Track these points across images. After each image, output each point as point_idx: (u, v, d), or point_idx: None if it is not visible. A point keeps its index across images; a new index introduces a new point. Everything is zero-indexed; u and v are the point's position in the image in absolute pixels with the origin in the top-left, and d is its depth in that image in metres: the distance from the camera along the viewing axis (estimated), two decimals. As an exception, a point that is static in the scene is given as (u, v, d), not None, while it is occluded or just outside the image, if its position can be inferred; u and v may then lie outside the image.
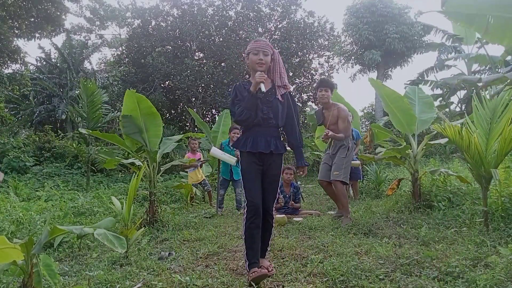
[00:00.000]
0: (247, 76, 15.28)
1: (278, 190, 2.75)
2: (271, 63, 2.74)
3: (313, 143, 9.49)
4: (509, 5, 2.48)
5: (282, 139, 2.79)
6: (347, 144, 4.63)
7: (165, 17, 15.26)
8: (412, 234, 3.57)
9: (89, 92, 9.08)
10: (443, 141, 4.69)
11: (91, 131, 4.54)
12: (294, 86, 16.18)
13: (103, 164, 4.77)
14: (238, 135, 6.39)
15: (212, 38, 14.98)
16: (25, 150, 11.46)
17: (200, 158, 7.06)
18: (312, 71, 16.24)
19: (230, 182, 6.34)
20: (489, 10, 2.58)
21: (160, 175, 5.97)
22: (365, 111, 23.89)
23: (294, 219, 4.74)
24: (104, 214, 5.36)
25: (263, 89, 2.58)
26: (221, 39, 14.94)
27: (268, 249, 2.81)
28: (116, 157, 4.79)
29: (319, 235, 3.80)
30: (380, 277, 2.49)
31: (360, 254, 3.06)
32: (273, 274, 2.64)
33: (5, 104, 14.68)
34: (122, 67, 15.88)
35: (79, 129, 5.64)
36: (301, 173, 2.86)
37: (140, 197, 6.83)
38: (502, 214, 3.63)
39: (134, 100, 4.26)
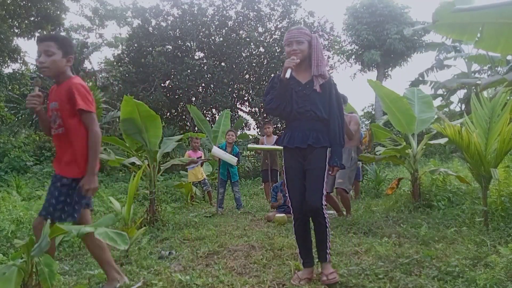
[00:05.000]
0: (247, 76, 15.28)
1: (324, 187, 2.44)
2: (310, 50, 2.52)
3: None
4: (502, 11, 2.46)
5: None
6: (350, 154, 4.81)
7: (165, 16, 15.25)
8: (412, 234, 3.57)
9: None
10: (442, 140, 4.71)
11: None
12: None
13: (108, 162, 4.76)
14: (234, 137, 6.43)
15: (212, 37, 14.98)
16: (25, 149, 11.46)
17: (201, 156, 7.08)
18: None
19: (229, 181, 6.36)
20: (482, 17, 2.56)
21: (161, 175, 5.97)
22: (365, 110, 23.89)
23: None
24: (104, 213, 5.37)
25: (288, 75, 2.37)
26: (221, 38, 14.94)
27: (328, 251, 2.49)
28: (117, 157, 4.80)
29: (319, 234, 3.79)
30: (380, 276, 2.49)
31: (360, 253, 3.07)
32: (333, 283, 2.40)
33: (5, 103, 14.65)
34: (122, 67, 15.86)
35: None
36: (330, 172, 2.53)
37: (141, 197, 6.84)
38: (502, 213, 3.64)
39: (133, 104, 4.26)
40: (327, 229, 2.48)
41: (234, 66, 14.48)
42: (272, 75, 2.23)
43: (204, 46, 14.94)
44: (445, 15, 2.64)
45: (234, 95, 15.30)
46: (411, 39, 19.97)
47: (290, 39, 2.50)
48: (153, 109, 4.50)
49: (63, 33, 15.68)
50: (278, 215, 4.74)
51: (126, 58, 15.49)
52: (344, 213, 4.89)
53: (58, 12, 12.80)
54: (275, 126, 13.95)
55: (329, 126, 2.52)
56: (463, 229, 3.56)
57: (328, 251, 2.50)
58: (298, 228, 2.57)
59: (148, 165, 4.57)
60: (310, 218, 2.53)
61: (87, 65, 18.87)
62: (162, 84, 14.68)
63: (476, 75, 16.92)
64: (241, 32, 15.00)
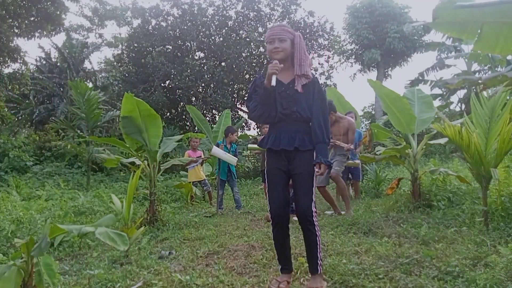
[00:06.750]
0: (247, 76, 15.27)
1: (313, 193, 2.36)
2: (293, 49, 2.42)
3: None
4: (503, 10, 2.43)
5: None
6: (346, 154, 5.30)
7: (165, 16, 15.25)
8: (412, 234, 3.57)
9: (82, 92, 8.99)
10: (442, 140, 4.71)
11: (89, 135, 4.55)
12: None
13: (105, 162, 4.78)
14: (237, 137, 6.45)
15: (212, 38, 14.98)
16: (25, 149, 11.47)
17: (200, 156, 7.09)
18: (312, 71, 16.22)
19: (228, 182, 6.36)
20: (483, 16, 2.53)
21: (161, 175, 5.97)
22: (365, 110, 23.90)
23: (294, 218, 4.73)
24: (104, 213, 5.37)
25: (274, 82, 2.29)
26: (221, 38, 14.94)
27: (319, 262, 2.37)
28: (117, 156, 4.80)
29: (319, 234, 3.80)
30: (380, 276, 2.49)
31: (360, 253, 3.07)
32: None
33: (5, 103, 14.64)
34: (122, 67, 15.86)
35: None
36: (317, 170, 2.39)
37: (141, 197, 6.84)
38: (502, 213, 3.64)
39: (133, 103, 4.26)
40: (318, 238, 2.36)
41: (234, 66, 14.48)
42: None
43: (204, 46, 14.94)
44: (445, 13, 2.61)
45: (234, 95, 15.30)
46: (411, 39, 19.99)
47: (272, 36, 2.41)
48: (153, 109, 4.50)
49: (63, 33, 15.70)
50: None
51: (126, 58, 15.49)
52: (343, 212, 4.92)
53: (58, 12, 12.79)
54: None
55: (313, 126, 2.42)
56: (463, 229, 3.56)
57: (319, 262, 2.36)
58: (277, 234, 2.45)
59: (148, 165, 4.57)
60: (300, 226, 2.41)
61: (87, 65, 18.90)
62: (162, 84, 14.68)
63: (476, 75, 16.91)
64: (241, 32, 15.00)
